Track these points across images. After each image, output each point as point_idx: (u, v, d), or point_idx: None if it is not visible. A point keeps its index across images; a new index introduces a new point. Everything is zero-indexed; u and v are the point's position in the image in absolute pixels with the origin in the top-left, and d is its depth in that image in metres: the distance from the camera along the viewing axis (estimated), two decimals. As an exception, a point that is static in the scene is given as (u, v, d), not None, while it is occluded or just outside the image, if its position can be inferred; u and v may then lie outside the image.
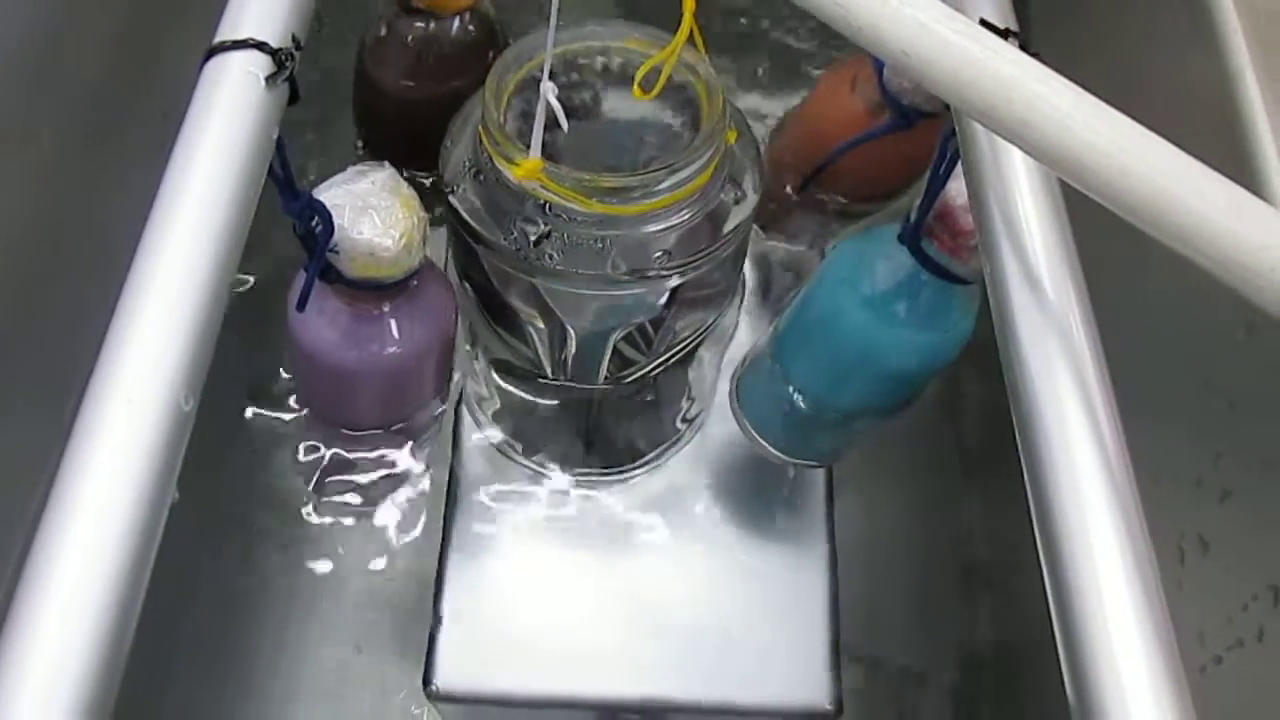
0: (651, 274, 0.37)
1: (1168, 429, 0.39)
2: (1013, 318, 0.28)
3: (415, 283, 0.40)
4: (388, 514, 0.53)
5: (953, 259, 0.38)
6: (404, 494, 0.52)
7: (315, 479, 0.53)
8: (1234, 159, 0.36)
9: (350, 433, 0.49)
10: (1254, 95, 0.37)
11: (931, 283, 0.39)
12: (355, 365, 0.41)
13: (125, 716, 0.22)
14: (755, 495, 0.50)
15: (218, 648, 0.54)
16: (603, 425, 0.50)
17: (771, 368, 0.46)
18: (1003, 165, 0.30)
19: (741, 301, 0.49)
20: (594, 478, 0.50)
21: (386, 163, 0.38)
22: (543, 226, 0.36)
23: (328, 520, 0.54)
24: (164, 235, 0.26)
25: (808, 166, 0.50)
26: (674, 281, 0.39)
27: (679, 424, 0.50)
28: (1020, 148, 0.25)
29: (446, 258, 0.44)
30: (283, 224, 0.35)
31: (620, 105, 0.38)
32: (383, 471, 0.52)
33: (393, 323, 0.41)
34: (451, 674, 0.45)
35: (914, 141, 0.46)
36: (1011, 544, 0.56)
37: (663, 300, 0.40)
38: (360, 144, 0.56)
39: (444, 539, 0.48)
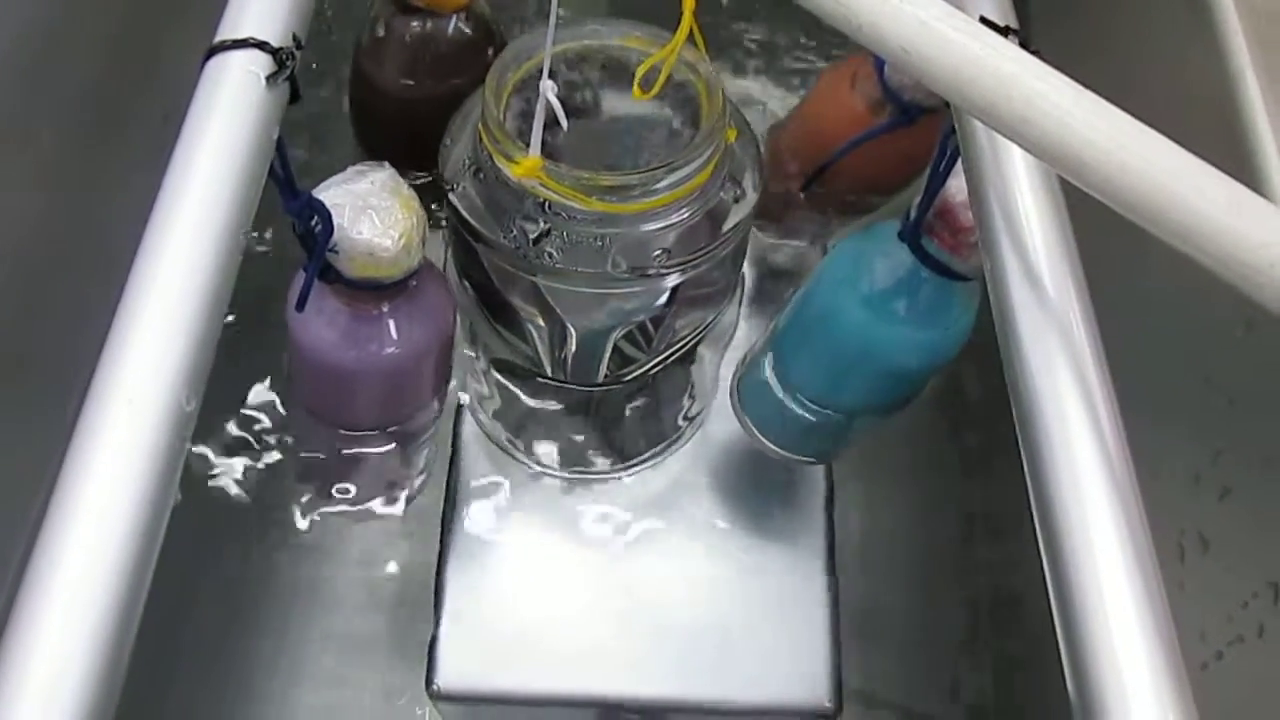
0: (651, 272, 0.37)
1: (1167, 426, 0.39)
2: (1013, 315, 0.28)
3: (414, 283, 0.40)
4: (387, 514, 0.53)
5: (953, 256, 0.38)
6: (403, 494, 0.52)
7: (315, 480, 0.53)
8: (1234, 157, 0.36)
9: (349, 433, 0.49)
10: (1254, 95, 0.37)
11: (931, 280, 0.39)
12: (354, 365, 0.41)
13: (126, 718, 0.22)
14: (755, 494, 0.50)
15: (218, 649, 0.54)
16: (603, 424, 0.50)
17: (772, 366, 0.46)
18: (1003, 162, 0.30)
19: (741, 300, 0.49)
20: (594, 476, 0.50)
21: (386, 163, 0.38)
22: (542, 225, 0.36)
23: (328, 521, 0.54)
24: (165, 235, 0.26)
25: (809, 165, 0.50)
26: (674, 280, 0.39)
27: (679, 422, 0.50)
28: (1020, 145, 0.25)
29: (446, 258, 0.44)
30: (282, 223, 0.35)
31: (620, 104, 0.38)
32: (382, 472, 0.52)
33: (391, 323, 0.41)
34: (453, 674, 0.45)
35: (914, 138, 0.46)
36: (1011, 543, 0.56)
37: (663, 299, 0.40)
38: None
39: (444, 539, 0.48)
